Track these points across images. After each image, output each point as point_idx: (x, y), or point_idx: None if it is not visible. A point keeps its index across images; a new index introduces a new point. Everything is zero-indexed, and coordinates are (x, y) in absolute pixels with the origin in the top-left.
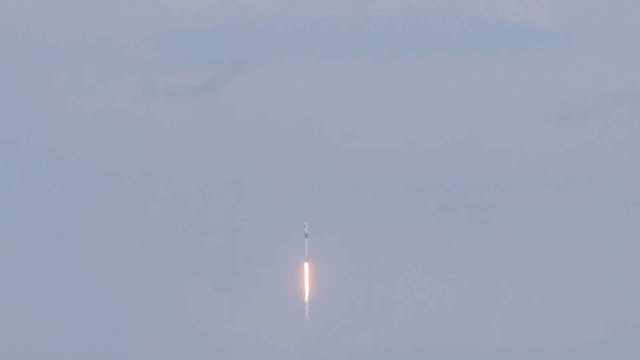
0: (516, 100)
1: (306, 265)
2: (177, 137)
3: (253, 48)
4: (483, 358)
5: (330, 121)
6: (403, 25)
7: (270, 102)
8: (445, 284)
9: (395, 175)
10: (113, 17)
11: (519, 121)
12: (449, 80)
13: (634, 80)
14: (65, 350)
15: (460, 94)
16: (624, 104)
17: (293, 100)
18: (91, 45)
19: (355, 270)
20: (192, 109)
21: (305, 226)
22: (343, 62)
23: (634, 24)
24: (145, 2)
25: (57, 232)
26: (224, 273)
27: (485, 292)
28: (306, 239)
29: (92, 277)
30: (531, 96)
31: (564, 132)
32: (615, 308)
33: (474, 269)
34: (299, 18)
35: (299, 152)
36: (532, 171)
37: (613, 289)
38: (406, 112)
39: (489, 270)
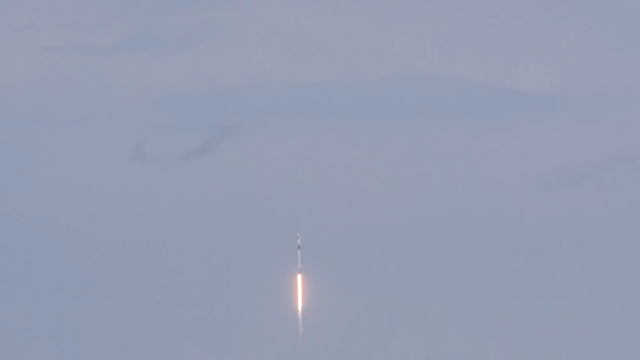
0: (510, 165)
1: (299, 277)
2: (168, 201)
3: (245, 113)
4: None
5: (323, 186)
6: (396, 90)
7: (262, 167)
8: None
9: (388, 242)
10: (105, 81)
11: (512, 186)
12: (443, 145)
13: (627, 146)
14: None
15: (454, 159)
16: (618, 169)
17: (285, 165)
18: (82, 109)
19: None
20: (183, 174)
21: (298, 238)
22: (335, 128)
23: (628, 90)
24: (138, 67)
25: (46, 293)
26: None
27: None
28: (299, 250)
29: (82, 339)
30: (525, 161)
31: (558, 198)
32: None
33: (468, 327)
34: (291, 83)
35: (290, 217)
36: (526, 237)
37: (609, 352)
38: (400, 176)
39: (483, 332)
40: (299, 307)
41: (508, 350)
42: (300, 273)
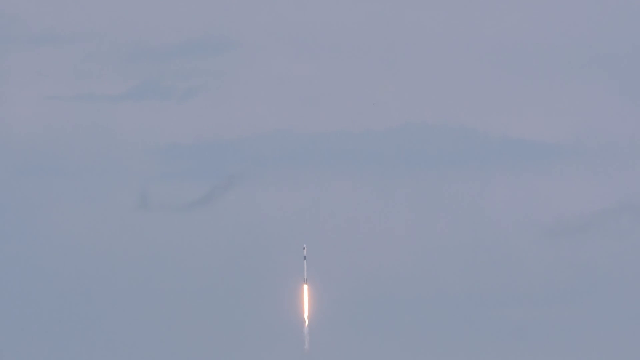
0: (516, 213)
1: (305, 287)
2: (172, 250)
3: (251, 162)
4: None
5: (329, 235)
6: (403, 139)
7: (268, 216)
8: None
9: (395, 289)
10: (110, 130)
11: (518, 234)
12: (449, 193)
13: (632, 194)
14: None
15: (459, 206)
16: (623, 218)
17: (291, 214)
18: (88, 158)
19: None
20: (188, 223)
21: (304, 248)
22: (341, 176)
23: (633, 139)
24: (143, 116)
25: (53, 343)
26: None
27: None
28: (305, 261)
29: None
30: (531, 210)
31: (564, 246)
32: None
33: None
34: (297, 132)
35: (295, 266)
36: (532, 285)
37: None
38: (406, 224)
39: None
40: (306, 317)
41: None
42: (306, 283)
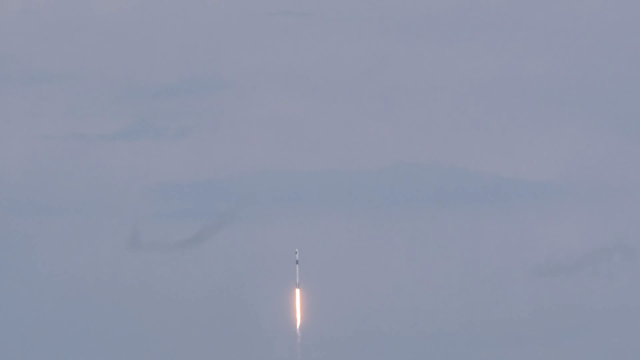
0: (507, 253)
1: (297, 291)
2: (163, 289)
3: (243, 201)
4: None
5: (321, 274)
6: (395, 179)
7: (259, 255)
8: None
9: (384, 328)
10: (102, 169)
11: (509, 274)
12: (440, 233)
13: (624, 235)
14: None
15: (451, 246)
16: (614, 258)
17: (283, 253)
18: (79, 197)
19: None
20: (179, 262)
21: (296, 253)
22: (333, 216)
23: (624, 179)
24: (135, 155)
25: None
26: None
27: None
28: (297, 265)
29: None
30: (522, 249)
31: (555, 286)
32: None
33: None
34: (289, 172)
35: (286, 306)
36: (522, 325)
37: None
38: (397, 263)
39: None
40: (298, 322)
41: None
42: (298, 288)
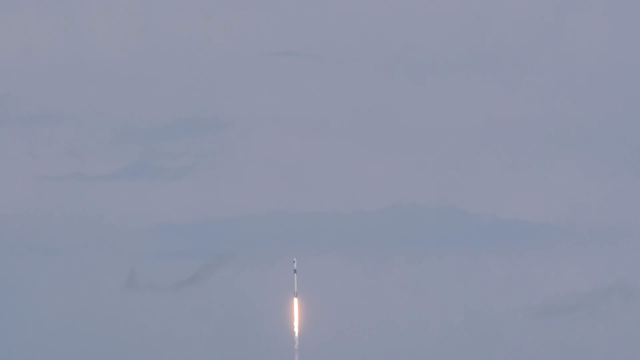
0: (506, 294)
1: (296, 300)
2: (159, 330)
3: (241, 242)
4: None
5: (321, 316)
6: (395, 219)
7: (258, 295)
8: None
9: None
10: (101, 210)
11: (509, 314)
12: (439, 274)
13: (623, 276)
14: None
15: (450, 287)
16: (613, 299)
17: (279, 294)
18: (78, 237)
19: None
20: (175, 302)
21: (294, 262)
22: (333, 256)
23: (623, 220)
24: (134, 196)
25: None
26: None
27: None
28: (295, 274)
29: None
30: (521, 290)
31: (554, 327)
32: None
33: None
34: (288, 213)
35: (286, 350)
36: None
37: None
38: (398, 305)
39: None
40: (296, 330)
41: None
42: (296, 297)
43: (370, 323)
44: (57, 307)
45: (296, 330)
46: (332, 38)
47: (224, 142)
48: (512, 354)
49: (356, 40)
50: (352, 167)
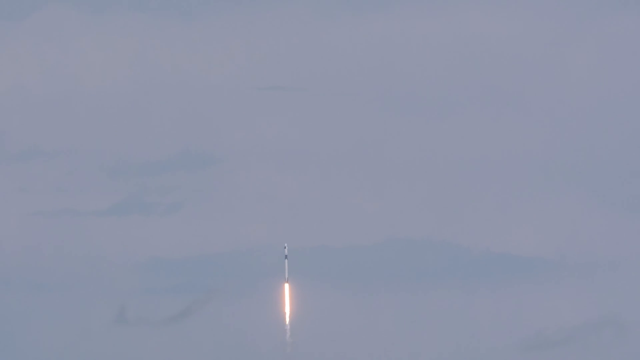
0: (498, 327)
1: (287, 286)
2: None
3: (233, 276)
4: None
5: (313, 353)
6: (387, 254)
7: (249, 330)
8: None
9: None
10: (93, 245)
11: (501, 349)
12: (432, 308)
13: (614, 309)
14: None
15: (443, 320)
16: (604, 332)
17: (271, 329)
18: (71, 272)
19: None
20: (166, 337)
21: (285, 247)
22: (326, 291)
23: (614, 253)
24: (126, 231)
25: None
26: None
27: None
28: (286, 260)
29: None
30: (513, 323)
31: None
32: None
33: None
34: (279, 247)
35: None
36: None
37: None
38: (390, 339)
39: None
40: (287, 316)
41: None
42: (287, 282)
43: (362, 358)
44: (48, 342)
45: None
46: (322, 72)
47: (216, 177)
48: None
49: (345, 75)
50: (343, 201)
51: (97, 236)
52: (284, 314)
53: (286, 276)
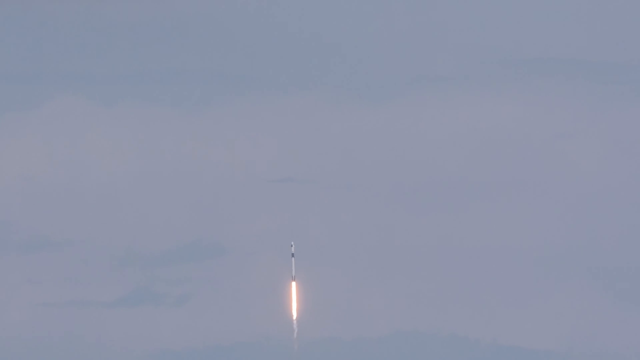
0: None
1: (293, 284)
2: None
3: None
4: None
5: None
6: (394, 347)
7: None
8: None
9: None
10: (102, 337)
11: None
12: None
13: None
14: None
15: None
16: None
17: None
18: None
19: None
20: None
21: (292, 246)
22: None
23: (623, 347)
24: (136, 323)
25: None
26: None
27: None
28: (293, 258)
29: None
30: None
31: None
32: None
33: None
34: (287, 340)
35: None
36: None
37: None
38: None
39: None
40: (294, 315)
41: None
42: (294, 280)
43: None
44: None
45: None
46: (332, 165)
47: (225, 268)
48: None
49: (355, 167)
50: (352, 293)
51: (106, 327)
52: None
53: (293, 274)
